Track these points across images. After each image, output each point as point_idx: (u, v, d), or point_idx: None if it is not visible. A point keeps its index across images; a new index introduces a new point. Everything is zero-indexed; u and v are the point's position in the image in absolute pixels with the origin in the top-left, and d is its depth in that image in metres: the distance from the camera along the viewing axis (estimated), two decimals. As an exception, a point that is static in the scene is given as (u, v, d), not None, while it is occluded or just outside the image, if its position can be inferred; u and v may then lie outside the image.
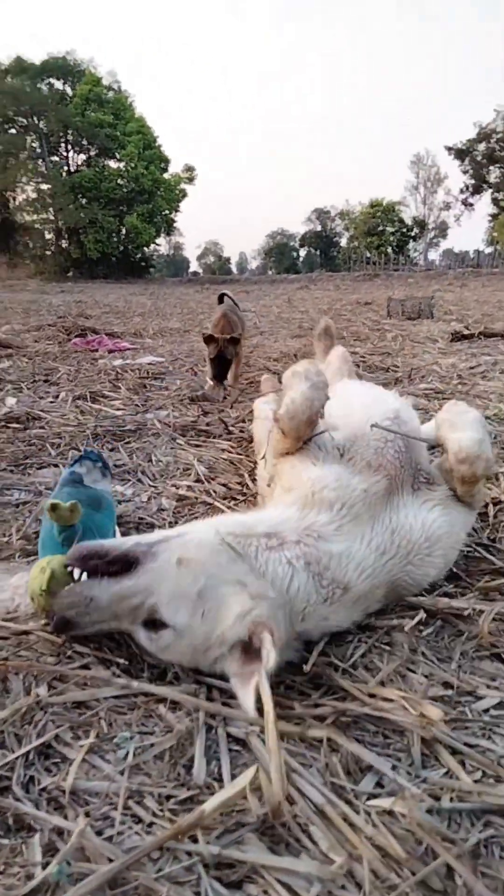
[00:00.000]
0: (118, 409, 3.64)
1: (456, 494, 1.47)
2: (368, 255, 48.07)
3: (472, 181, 53.20)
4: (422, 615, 1.38)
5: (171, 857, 0.82)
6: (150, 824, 0.88)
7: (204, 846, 0.82)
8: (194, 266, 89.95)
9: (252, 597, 1.12)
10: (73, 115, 36.69)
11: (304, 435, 1.47)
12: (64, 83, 40.19)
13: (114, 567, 1.21)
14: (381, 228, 55.72)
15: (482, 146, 52.81)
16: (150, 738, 1.05)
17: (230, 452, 2.82)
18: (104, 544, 1.25)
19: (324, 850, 0.85)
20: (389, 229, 56.20)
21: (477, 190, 53.75)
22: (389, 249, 51.84)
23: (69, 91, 39.65)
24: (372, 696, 1.13)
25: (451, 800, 0.94)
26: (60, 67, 39.54)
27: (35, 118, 37.33)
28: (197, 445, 2.97)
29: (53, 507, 1.40)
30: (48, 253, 38.35)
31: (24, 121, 37.62)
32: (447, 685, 1.21)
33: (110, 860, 0.81)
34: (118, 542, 1.26)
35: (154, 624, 1.17)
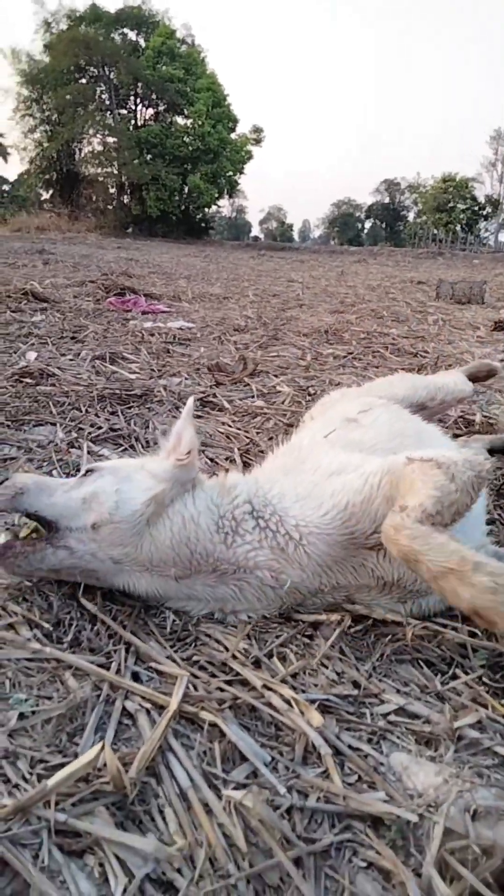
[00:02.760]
0: (132, 373, 3.67)
1: None
2: (436, 231, 46.53)
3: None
4: (349, 614, 1.38)
5: (24, 819, 0.86)
6: (16, 785, 0.92)
7: (53, 812, 0.86)
8: (255, 230, 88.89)
9: None
10: (144, 67, 36.25)
11: None
12: (137, 34, 39.66)
13: None
14: (451, 205, 53.79)
15: None
16: (46, 702, 1.09)
17: (228, 426, 2.83)
18: None
19: (171, 832, 0.88)
20: (460, 206, 54.20)
21: None
22: (458, 227, 50.06)
23: (142, 42, 39.13)
24: (269, 688, 1.14)
25: (318, 799, 0.95)
26: (135, 17, 38.98)
27: (106, 69, 37.05)
28: (199, 416, 2.98)
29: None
30: (109, 207, 38.41)
31: (95, 71, 37.40)
32: (355, 684, 1.21)
33: (-34, 815, 0.86)
34: None
35: None
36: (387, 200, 72.61)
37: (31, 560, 1.36)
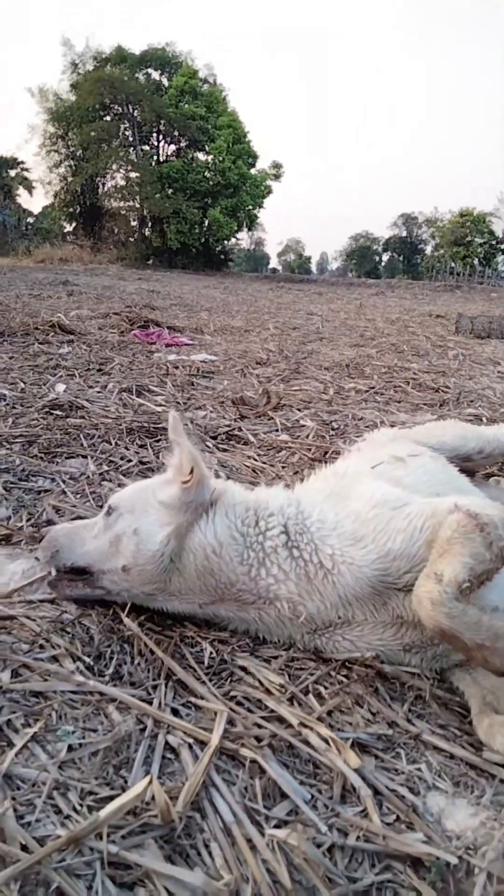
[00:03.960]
0: (159, 406, 3.75)
1: None
2: (453, 265, 46.91)
3: None
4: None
5: (76, 850, 0.89)
6: (67, 816, 0.95)
7: (105, 844, 0.89)
8: (274, 262, 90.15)
9: None
10: (166, 105, 37.39)
11: None
12: (161, 74, 41.00)
13: None
14: (468, 239, 54.26)
15: None
16: (92, 735, 1.12)
17: (254, 460, 2.88)
18: None
19: (217, 867, 0.90)
20: (478, 240, 54.64)
21: None
22: (476, 261, 50.44)
23: (165, 82, 40.42)
24: (306, 726, 1.17)
25: (358, 839, 0.97)
26: (159, 58, 40.36)
27: (130, 107, 38.25)
28: (224, 450, 3.04)
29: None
30: (131, 240, 39.30)
31: (120, 109, 38.63)
32: (390, 724, 1.23)
33: (22, 845, 0.89)
34: None
35: None
36: (404, 234, 73.46)
37: (74, 592, 1.49)
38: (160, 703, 1.22)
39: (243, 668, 1.37)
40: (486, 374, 5.49)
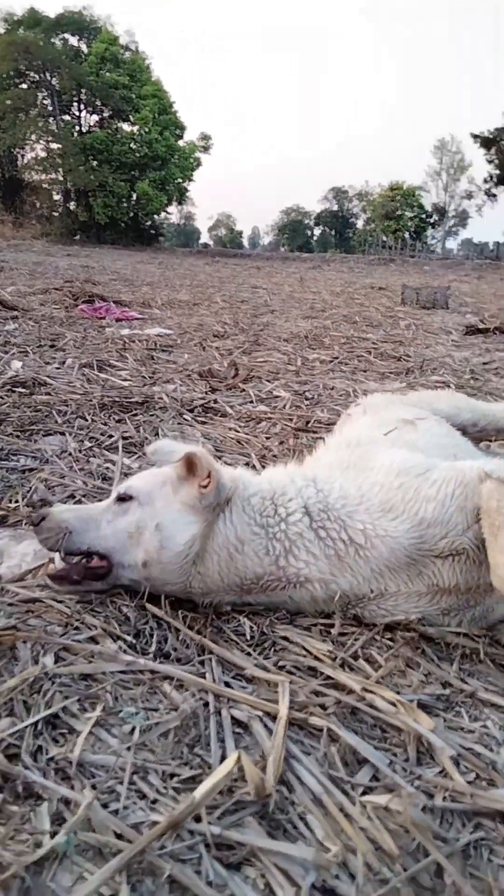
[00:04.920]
0: (125, 380, 3.62)
1: None
2: (385, 238, 47.55)
3: (498, 171, 52.49)
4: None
5: (174, 834, 0.84)
6: (154, 801, 0.89)
7: (206, 826, 0.84)
8: (205, 237, 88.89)
9: None
10: (86, 73, 35.83)
11: None
12: (79, 40, 39.22)
13: None
14: (399, 213, 55.00)
15: (510, 136, 51.88)
16: (154, 714, 1.06)
17: (237, 432, 2.82)
18: None
19: (319, 839, 0.87)
20: (408, 214, 55.47)
21: (502, 181, 53.07)
22: (407, 235, 51.26)
23: (84, 48, 38.71)
24: (369, 691, 1.15)
25: (444, 799, 0.96)
26: (76, 22, 38.51)
27: (47, 74, 36.39)
28: (203, 422, 2.97)
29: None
30: (55, 214, 37.76)
31: (36, 76, 36.72)
32: (444, 684, 1.22)
33: (116, 834, 0.83)
34: None
35: None
36: (335, 208, 73.73)
37: (83, 585, 1.42)
38: (214, 678, 1.17)
39: (285, 639, 1.33)
40: (440, 342, 5.59)
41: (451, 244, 63.57)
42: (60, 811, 0.85)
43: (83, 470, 2.22)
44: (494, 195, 55.58)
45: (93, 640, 1.23)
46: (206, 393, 3.46)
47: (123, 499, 1.44)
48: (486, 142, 52.89)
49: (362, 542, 1.36)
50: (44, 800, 0.87)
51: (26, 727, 0.98)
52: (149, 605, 1.38)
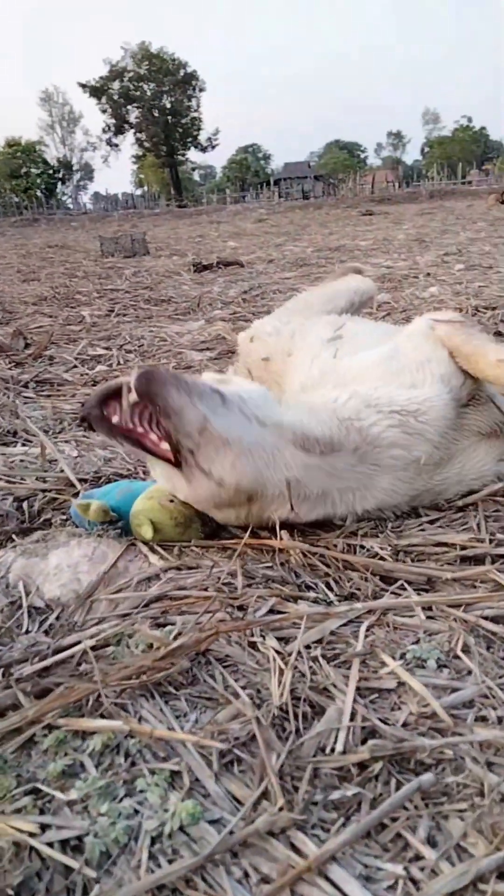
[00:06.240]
0: None
1: None
2: (16, 198, 44.75)
3: (113, 121, 52.81)
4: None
5: None
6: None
7: None
8: None
9: None
10: None
11: None
12: None
13: None
14: (25, 170, 52.10)
15: (116, 84, 52.42)
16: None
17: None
18: None
19: None
20: (34, 171, 52.90)
21: (119, 130, 53.59)
22: (39, 193, 48.98)
23: None
24: None
25: None
26: None
27: None
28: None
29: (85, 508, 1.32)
30: None
31: None
32: None
33: None
34: None
35: None
36: None
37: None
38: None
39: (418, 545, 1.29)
40: (184, 283, 5.64)
41: (84, 198, 63.05)
42: None
43: None
44: (116, 145, 56.23)
45: (283, 600, 1.05)
46: None
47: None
48: (94, 91, 52.70)
49: (414, 410, 1.37)
50: None
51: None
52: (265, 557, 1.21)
